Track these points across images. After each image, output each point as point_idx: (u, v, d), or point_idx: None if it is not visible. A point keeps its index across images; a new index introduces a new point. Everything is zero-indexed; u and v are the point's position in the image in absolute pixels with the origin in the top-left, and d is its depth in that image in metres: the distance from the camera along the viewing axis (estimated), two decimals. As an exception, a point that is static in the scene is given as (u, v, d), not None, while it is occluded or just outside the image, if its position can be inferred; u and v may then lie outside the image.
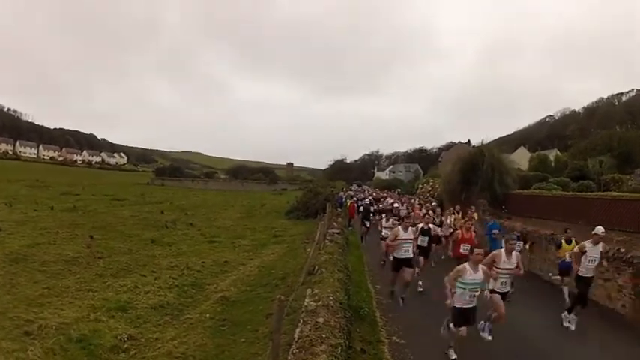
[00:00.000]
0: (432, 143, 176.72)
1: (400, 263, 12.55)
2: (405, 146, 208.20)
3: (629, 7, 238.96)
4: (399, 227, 13.00)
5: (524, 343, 9.66)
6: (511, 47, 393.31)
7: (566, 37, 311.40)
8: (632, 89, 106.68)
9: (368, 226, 24.72)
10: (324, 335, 6.81)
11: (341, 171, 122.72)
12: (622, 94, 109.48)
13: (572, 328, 10.71)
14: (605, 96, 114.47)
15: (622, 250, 12.24)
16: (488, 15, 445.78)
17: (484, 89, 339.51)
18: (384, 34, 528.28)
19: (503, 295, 9.62)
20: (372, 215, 26.23)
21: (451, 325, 8.56)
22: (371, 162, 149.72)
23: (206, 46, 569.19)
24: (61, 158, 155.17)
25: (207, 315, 12.69)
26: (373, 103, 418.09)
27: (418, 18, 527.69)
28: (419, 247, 14.00)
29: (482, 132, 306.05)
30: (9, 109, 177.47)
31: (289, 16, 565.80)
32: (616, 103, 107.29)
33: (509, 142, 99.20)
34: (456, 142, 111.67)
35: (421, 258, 14.15)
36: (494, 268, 9.43)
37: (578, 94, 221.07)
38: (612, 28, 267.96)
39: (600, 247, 10.75)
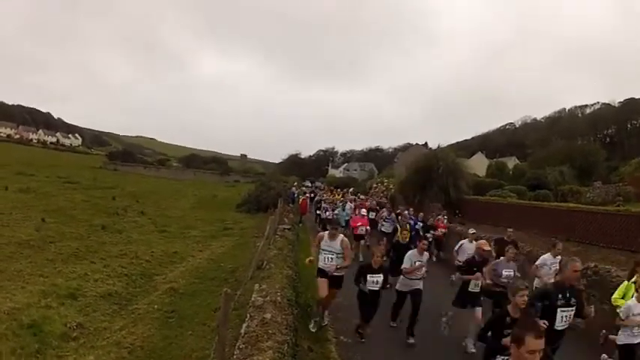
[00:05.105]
0: (392, 142, 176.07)
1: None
2: (365, 143, 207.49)
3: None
4: None
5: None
6: (499, 50, 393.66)
7: (562, 43, 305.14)
8: (597, 102, 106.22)
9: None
10: (270, 331, 6.72)
11: (295, 166, 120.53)
12: (586, 106, 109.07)
13: None
14: (568, 107, 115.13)
15: (577, 260, 12.50)
16: (483, 16, 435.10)
17: (459, 92, 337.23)
18: (372, 20, 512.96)
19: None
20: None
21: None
22: (325, 158, 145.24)
23: (171, 20, 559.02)
24: (17, 136, 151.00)
25: (156, 306, 12.76)
26: (342, 97, 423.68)
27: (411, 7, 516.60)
28: None
29: (447, 134, 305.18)
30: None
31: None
32: (579, 115, 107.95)
33: (468, 147, 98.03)
34: (414, 143, 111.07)
35: None
36: None
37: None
38: (609, 38, 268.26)
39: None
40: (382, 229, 19.31)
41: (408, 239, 12.56)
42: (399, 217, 19.12)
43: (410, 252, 10.25)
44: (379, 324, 9.96)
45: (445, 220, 21.42)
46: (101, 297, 13.56)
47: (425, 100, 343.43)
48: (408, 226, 14.25)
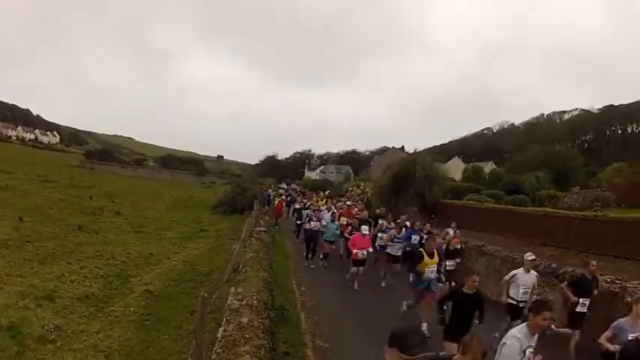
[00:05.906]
0: (369, 145, 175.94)
1: None
2: (342, 146, 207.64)
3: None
4: None
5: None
6: (489, 54, 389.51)
7: (551, 50, 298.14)
8: (576, 108, 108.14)
9: None
10: (247, 335, 6.90)
11: (271, 167, 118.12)
12: (565, 112, 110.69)
13: None
14: (547, 113, 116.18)
15: (553, 265, 12.63)
16: (474, 20, 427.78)
17: (439, 95, 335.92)
18: (365, 24, 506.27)
19: None
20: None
21: None
22: (302, 160, 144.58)
23: (155, 20, 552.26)
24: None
25: (132, 309, 12.83)
26: (326, 99, 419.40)
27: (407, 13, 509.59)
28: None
29: (424, 137, 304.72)
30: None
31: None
32: (558, 121, 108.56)
33: (445, 152, 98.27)
34: (390, 146, 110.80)
35: None
36: None
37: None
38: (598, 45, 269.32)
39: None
40: (388, 252, 15.92)
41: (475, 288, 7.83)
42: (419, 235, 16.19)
43: (515, 332, 5.43)
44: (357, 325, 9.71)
45: (458, 232, 16.93)
46: (78, 299, 13.52)
47: (404, 102, 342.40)
48: (436, 254, 11.19)
